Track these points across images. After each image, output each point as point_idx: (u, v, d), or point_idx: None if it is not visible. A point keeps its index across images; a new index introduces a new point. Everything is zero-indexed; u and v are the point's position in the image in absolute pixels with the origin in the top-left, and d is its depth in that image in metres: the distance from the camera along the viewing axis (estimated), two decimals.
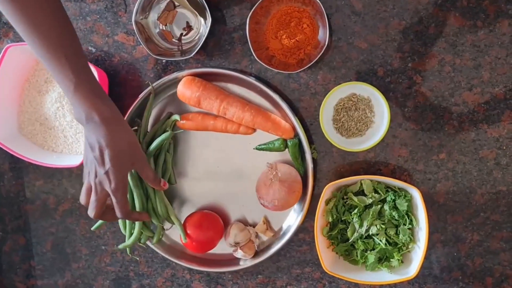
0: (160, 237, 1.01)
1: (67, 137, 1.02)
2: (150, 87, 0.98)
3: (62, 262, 1.10)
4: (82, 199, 0.84)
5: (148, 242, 1.02)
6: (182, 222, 1.00)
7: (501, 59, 0.91)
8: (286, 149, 0.98)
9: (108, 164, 0.79)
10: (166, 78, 0.99)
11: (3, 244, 1.12)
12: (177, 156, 1.03)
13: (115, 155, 0.80)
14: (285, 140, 0.97)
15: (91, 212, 0.82)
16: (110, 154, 0.79)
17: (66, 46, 0.78)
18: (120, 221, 0.99)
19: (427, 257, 0.95)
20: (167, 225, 1.02)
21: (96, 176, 0.81)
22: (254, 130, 0.99)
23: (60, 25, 0.78)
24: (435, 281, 0.98)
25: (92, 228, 1.02)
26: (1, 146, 1.00)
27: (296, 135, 0.97)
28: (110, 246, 1.07)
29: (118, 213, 0.83)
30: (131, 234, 0.98)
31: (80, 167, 1.03)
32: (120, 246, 0.99)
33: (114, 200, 0.82)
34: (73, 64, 0.78)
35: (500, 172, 0.94)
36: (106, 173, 0.80)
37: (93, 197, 0.82)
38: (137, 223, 0.96)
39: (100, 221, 1.01)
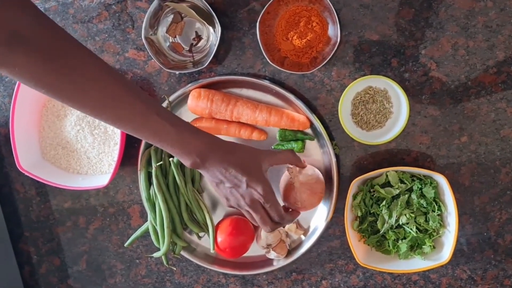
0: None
1: (90, 158, 1.03)
2: (166, 101, 0.99)
3: (98, 279, 1.12)
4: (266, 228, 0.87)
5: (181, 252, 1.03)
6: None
7: None
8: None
9: (243, 180, 0.81)
10: (181, 91, 0.99)
11: (39, 267, 1.14)
12: None
13: (241, 167, 0.82)
14: (303, 142, 0.98)
15: (266, 229, 0.87)
16: (236, 171, 0.81)
17: (150, 102, 0.76)
18: (152, 233, 1.00)
19: (457, 239, 0.96)
20: (201, 233, 1.03)
21: (244, 198, 0.83)
22: (267, 135, 1.00)
23: (132, 89, 0.74)
24: (467, 262, 0.99)
25: (125, 245, 1.03)
26: (27, 174, 1.01)
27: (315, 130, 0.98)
28: (144, 259, 1.09)
29: (274, 216, 0.86)
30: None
31: (108, 185, 1.04)
32: (154, 254, 1.01)
33: (267, 205, 0.84)
34: (164, 115, 0.76)
35: None
36: (247, 186, 0.82)
37: (256, 217, 0.85)
38: (166, 234, 0.97)
39: (132, 237, 1.03)
